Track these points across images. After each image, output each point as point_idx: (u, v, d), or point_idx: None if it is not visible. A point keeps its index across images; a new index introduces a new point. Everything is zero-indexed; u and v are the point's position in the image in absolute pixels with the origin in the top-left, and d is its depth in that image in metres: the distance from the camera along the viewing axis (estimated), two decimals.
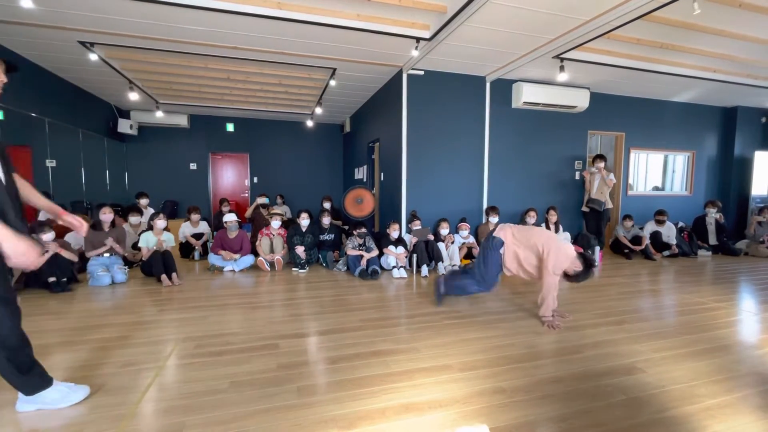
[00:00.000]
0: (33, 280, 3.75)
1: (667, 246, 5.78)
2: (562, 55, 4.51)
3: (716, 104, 7.06)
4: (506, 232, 3.06)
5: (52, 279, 3.70)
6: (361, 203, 6.06)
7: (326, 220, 5.31)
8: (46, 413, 1.71)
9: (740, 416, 1.70)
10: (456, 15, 3.53)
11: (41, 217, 4.78)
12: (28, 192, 1.74)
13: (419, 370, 2.12)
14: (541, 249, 2.87)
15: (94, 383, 1.96)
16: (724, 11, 3.57)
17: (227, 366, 2.17)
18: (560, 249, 2.85)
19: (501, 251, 3.03)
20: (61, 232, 4.28)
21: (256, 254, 4.95)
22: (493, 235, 3.10)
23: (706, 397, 1.85)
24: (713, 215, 6.25)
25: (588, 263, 2.86)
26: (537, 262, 2.95)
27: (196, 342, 2.52)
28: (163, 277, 4.08)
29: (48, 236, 3.77)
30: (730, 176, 7.27)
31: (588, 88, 5.82)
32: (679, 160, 7.25)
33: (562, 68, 4.64)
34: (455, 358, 2.29)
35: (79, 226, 1.84)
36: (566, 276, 2.93)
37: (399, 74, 5.25)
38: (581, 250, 3.11)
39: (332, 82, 5.68)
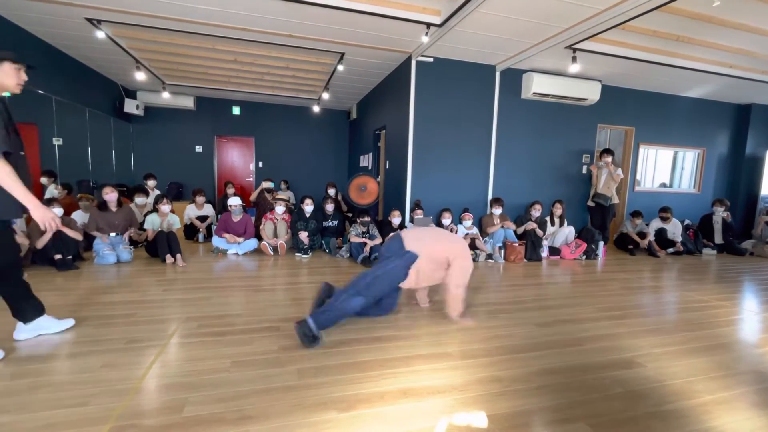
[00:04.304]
0: (40, 256, 3.80)
1: (672, 243, 5.75)
2: (575, 46, 4.41)
3: (730, 101, 6.91)
4: (419, 245, 2.55)
5: (57, 256, 3.75)
6: (365, 191, 6.04)
7: (330, 207, 5.32)
8: (55, 384, 1.75)
9: (736, 413, 1.71)
10: (468, 1, 3.45)
11: (47, 195, 4.82)
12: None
13: (418, 357, 2.14)
14: (448, 261, 2.58)
15: (99, 358, 2.00)
16: (745, 4, 3.48)
17: (229, 346, 2.20)
18: (466, 260, 2.59)
19: (410, 270, 2.49)
20: (67, 210, 4.31)
21: (259, 238, 4.98)
22: (407, 248, 2.52)
23: (704, 393, 1.86)
24: (720, 214, 6.19)
25: None
26: (440, 274, 2.63)
27: (199, 322, 2.55)
28: (168, 257, 4.13)
29: (57, 212, 3.79)
30: (740, 175, 7.16)
31: (599, 81, 5.72)
32: (689, 157, 7.14)
33: (574, 59, 4.55)
34: (454, 346, 2.31)
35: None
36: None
37: (408, 61, 5.18)
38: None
39: (340, 67, 5.61)
